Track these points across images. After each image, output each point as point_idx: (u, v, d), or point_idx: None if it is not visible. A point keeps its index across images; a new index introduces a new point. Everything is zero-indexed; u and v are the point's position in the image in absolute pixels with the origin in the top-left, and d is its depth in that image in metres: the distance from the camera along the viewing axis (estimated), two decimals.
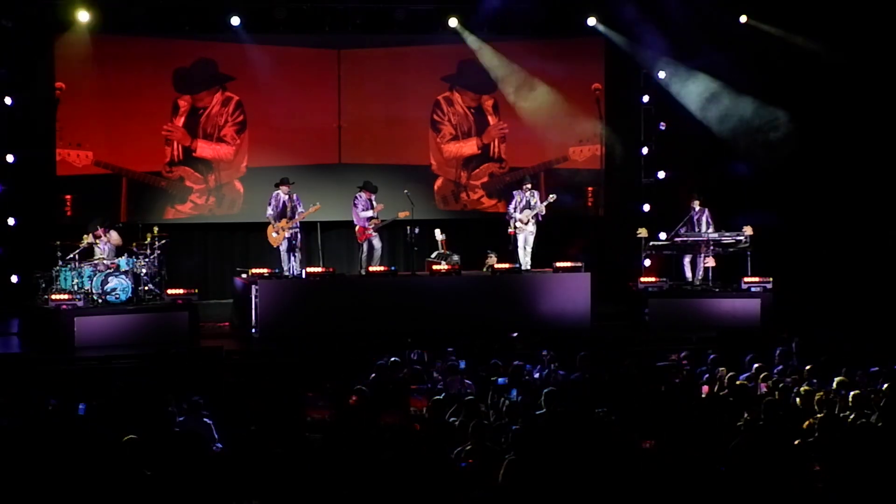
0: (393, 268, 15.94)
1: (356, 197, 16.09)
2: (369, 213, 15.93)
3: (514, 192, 16.48)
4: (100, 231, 14.82)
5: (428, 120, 19.08)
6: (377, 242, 16.07)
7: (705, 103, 18.26)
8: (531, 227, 16.17)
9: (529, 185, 16.38)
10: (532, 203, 16.15)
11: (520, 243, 16.19)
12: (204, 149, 18.38)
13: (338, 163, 18.61)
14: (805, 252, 18.02)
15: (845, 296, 16.84)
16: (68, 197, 17.63)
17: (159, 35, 17.87)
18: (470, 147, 19.26)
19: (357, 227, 16.05)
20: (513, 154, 19.24)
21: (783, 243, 17.56)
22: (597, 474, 6.45)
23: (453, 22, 18.39)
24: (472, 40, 18.51)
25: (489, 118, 19.23)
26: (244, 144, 18.49)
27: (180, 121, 18.23)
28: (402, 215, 16.02)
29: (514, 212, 16.18)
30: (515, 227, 16.17)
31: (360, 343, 13.24)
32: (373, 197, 16.06)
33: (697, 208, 16.25)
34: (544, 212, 16.16)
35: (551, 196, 16.32)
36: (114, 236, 14.99)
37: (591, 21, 18.68)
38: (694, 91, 18.34)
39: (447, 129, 19.15)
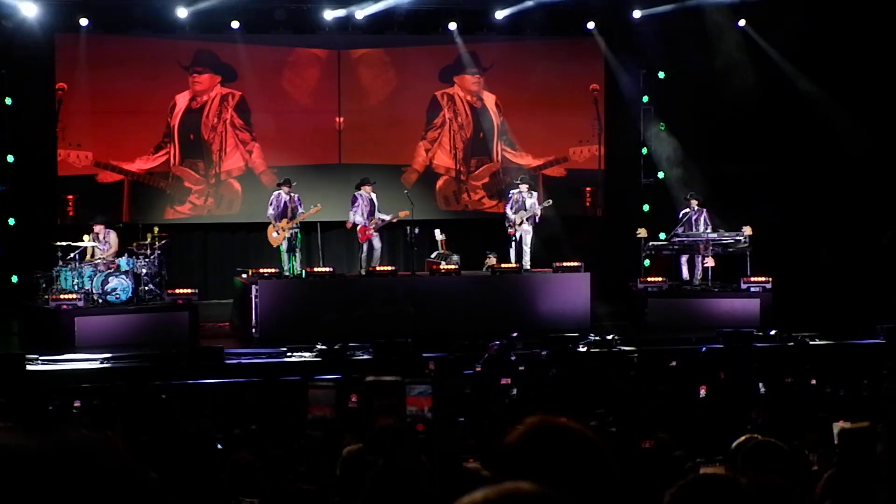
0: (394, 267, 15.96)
1: (356, 197, 16.04)
2: (358, 220, 15.86)
3: (510, 193, 16.50)
4: (101, 227, 14.87)
5: (428, 119, 19.10)
6: (377, 242, 16.07)
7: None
8: (527, 227, 16.16)
9: (526, 186, 16.35)
10: (528, 204, 16.12)
11: (526, 247, 16.18)
12: (204, 149, 18.39)
13: (338, 163, 18.64)
14: (805, 252, 18.05)
15: (843, 295, 16.85)
16: (70, 197, 17.66)
17: (159, 35, 17.89)
18: (471, 147, 19.29)
19: (358, 227, 16.03)
20: (513, 154, 19.25)
21: (783, 243, 17.58)
22: (597, 473, 6.45)
23: (453, 25, 18.45)
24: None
25: (491, 117, 19.25)
26: (244, 144, 18.51)
27: (179, 121, 18.25)
28: (402, 215, 16.01)
29: (510, 212, 16.20)
30: (514, 228, 16.16)
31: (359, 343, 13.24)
32: (374, 194, 15.99)
33: (696, 208, 16.27)
34: (540, 213, 16.14)
35: (547, 201, 16.29)
36: (112, 238, 15.01)
37: (591, 25, 18.77)
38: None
39: (447, 128, 19.17)
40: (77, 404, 9.00)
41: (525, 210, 16.06)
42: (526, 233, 16.15)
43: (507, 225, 16.23)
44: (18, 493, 1.54)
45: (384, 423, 7.75)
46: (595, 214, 19.50)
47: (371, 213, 15.93)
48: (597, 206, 19.49)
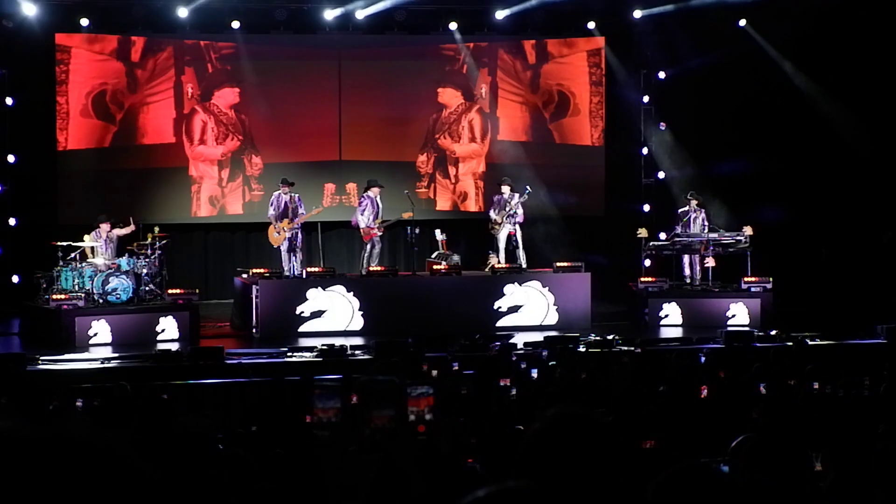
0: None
1: (363, 198, 15.98)
2: (365, 222, 15.81)
3: (494, 196, 16.52)
4: (106, 225, 14.89)
5: (429, 119, 19.10)
6: (377, 242, 16.05)
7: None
8: (509, 227, 16.10)
9: (508, 187, 16.29)
10: (513, 203, 16.04)
11: (501, 244, 16.18)
12: (204, 148, 18.40)
13: (338, 159, 18.66)
14: (806, 252, 18.05)
15: (843, 295, 16.85)
16: (70, 197, 17.65)
17: (160, 35, 17.90)
18: (471, 146, 19.29)
19: (362, 228, 15.98)
20: (512, 153, 19.25)
21: (783, 243, 17.58)
22: (598, 474, 6.44)
23: (453, 25, 18.47)
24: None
25: (489, 116, 19.25)
26: (244, 144, 18.52)
27: (180, 120, 18.25)
28: (406, 216, 15.97)
29: (493, 213, 16.22)
30: (494, 228, 16.16)
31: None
32: (378, 196, 15.96)
33: (695, 208, 16.27)
34: (521, 212, 16.06)
35: (524, 195, 16.11)
36: (118, 230, 15.08)
37: (591, 25, 18.80)
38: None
39: (448, 128, 19.18)
40: (79, 404, 8.99)
41: (504, 210, 16.05)
42: (509, 232, 16.06)
43: (489, 226, 16.26)
44: (10, 479, 1.51)
45: (380, 421, 7.74)
46: (596, 214, 19.49)
47: (376, 216, 15.91)
48: (598, 205, 19.48)
